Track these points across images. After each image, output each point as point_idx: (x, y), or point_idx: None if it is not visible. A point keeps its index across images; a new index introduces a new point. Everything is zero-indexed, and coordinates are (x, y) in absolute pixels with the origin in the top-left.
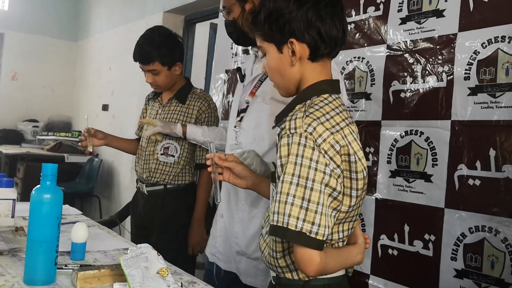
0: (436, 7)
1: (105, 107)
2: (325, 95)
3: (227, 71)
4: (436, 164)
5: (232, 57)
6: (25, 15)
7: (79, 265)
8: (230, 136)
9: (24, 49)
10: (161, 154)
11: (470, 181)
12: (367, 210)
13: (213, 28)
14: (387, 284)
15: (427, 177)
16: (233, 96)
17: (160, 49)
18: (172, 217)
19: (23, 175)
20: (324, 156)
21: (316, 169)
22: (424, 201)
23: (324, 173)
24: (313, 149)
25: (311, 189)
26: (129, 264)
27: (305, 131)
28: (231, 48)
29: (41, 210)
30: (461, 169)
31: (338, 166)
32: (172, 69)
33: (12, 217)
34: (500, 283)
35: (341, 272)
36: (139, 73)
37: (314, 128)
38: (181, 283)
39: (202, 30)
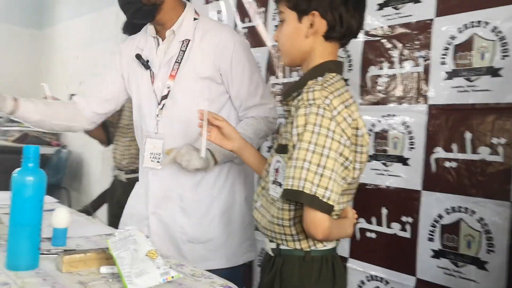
0: None
1: (72, 98)
2: (333, 74)
3: None
4: (413, 148)
5: None
6: None
7: (63, 250)
8: (150, 125)
9: None
10: None
11: (447, 164)
12: None
13: None
14: (365, 267)
15: (404, 161)
16: None
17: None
18: None
19: None
20: (338, 127)
21: (332, 138)
22: (402, 184)
23: (339, 142)
24: (330, 119)
25: (327, 156)
26: (117, 246)
27: (323, 102)
28: None
29: (23, 193)
30: (437, 152)
31: (349, 138)
32: None
33: None
34: (476, 261)
35: (333, 244)
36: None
37: (331, 101)
38: (170, 265)
39: None
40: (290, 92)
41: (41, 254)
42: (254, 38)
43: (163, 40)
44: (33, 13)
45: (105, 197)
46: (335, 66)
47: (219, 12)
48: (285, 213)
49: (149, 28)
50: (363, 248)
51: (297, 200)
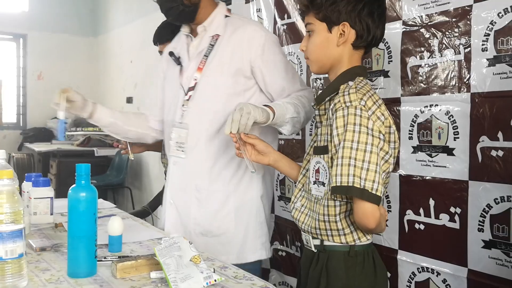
0: None
1: (129, 100)
2: (361, 78)
3: None
4: (458, 138)
5: None
6: (45, 15)
7: (117, 257)
8: (176, 115)
9: (47, 48)
10: None
11: (493, 152)
12: (392, 186)
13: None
14: (415, 258)
15: (449, 151)
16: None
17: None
18: None
19: (56, 171)
20: (375, 124)
21: (372, 135)
22: (448, 175)
23: (379, 138)
24: (368, 118)
25: (370, 152)
26: (163, 253)
27: (359, 103)
28: None
29: (78, 208)
30: (483, 141)
31: (383, 135)
32: None
33: (51, 214)
34: None
35: (371, 239)
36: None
37: (365, 102)
38: (213, 268)
39: None
40: (323, 97)
41: (98, 261)
42: (293, 34)
43: (195, 37)
44: (88, 22)
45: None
46: (361, 71)
47: (258, 10)
48: (331, 209)
49: (183, 27)
50: (412, 240)
51: (348, 194)
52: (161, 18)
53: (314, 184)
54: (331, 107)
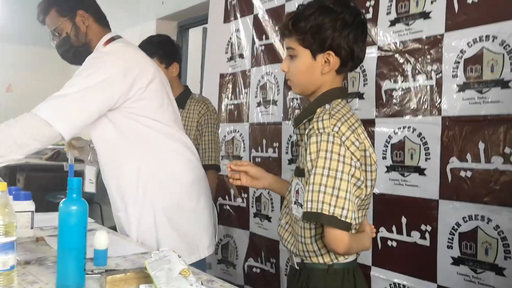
0: (423, 9)
1: None
2: (339, 100)
3: (221, 75)
4: (429, 158)
5: (228, 61)
6: (16, 27)
7: (104, 270)
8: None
9: (17, 60)
10: None
11: (462, 173)
12: None
13: (206, 33)
14: (388, 274)
15: (421, 171)
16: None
17: (158, 48)
18: None
19: (24, 185)
20: (348, 151)
21: (344, 162)
22: (419, 194)
23: (350, 165)
24: (340, 145)
25: (341, 179)
26: (153, 266)
27: (332, 130)
28: (226, 52)
29: (69, 221)
30: (453, 162)
31: (358, 160)
32: (169, 68)
33: (32, 228)
34: (495, 268)
35: (354, 257)
36: None
37: (339, 128)
38: (201, 281)
39: (195, 35)
40: (301, 119)
41: (86, 274)
42: (271, 54)
43: None
44: None
45: None
46: (340, 92)
47: (237, 30)
48: (306, 231)
49: None
50: (385, 256)
51: (318, 221)
52: (134, 34)
53: (294, 204)
54: (306, 132)
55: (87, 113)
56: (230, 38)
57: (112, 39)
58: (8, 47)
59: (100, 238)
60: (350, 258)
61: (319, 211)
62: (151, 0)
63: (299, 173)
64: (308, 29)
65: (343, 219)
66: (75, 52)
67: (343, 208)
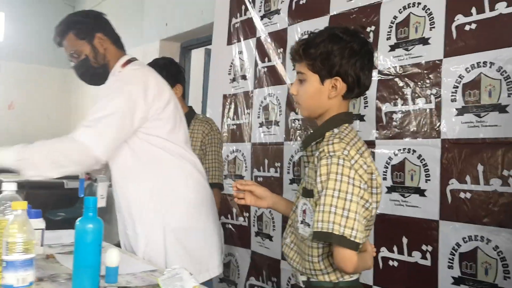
0: (422, 35)
1: None
2: (346, 124)
3: (224, 96)
4: (429, 180)
5: (230, 82)
6: (19, 45)
7: (117, 287)
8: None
9: (20, 78)
10: None
11: (462, 194)
12: None
13: (208, 54)
14: None
15: (421, 192)
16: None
17: (162, 70)
18: None
19: None
20: (357, 174)
21: (353, 184)
22: (420, 214)
23: (359, 187)
24: (350, 168)
25: (350, 200)
26: (166, 283)
27: (342, 153)
28: (229, 73)
29: (86, 239)
30: (452, 183)
31: (366, 182)
32: (173, 90)
33: (42, 245)
34: None
35: (357, 276)
36: None
37: (348, 152)
38: None
39: (198, 56)
40: (309, 142)
41: None
42: (273, 76)
43: None
44: (62, 53)
45: None
46: (346, 117)
47: (240, 52)
48: (314, 250)
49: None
50: (386, 276)
51: (328, 241)
52: (140, 54)
53: (301, 223)
54: (316, 154)
55: (120, 136)
56: (233, 60)
57: (129, 61)
58: (11, 65)
59: (111, 256)
60: (354, 277)
61: (329, 231)
62: (154, 21)
63: (307, 194)
64: (318, 55)
65: (352, 239)
66: (94, 73)
67: (352, 229)
